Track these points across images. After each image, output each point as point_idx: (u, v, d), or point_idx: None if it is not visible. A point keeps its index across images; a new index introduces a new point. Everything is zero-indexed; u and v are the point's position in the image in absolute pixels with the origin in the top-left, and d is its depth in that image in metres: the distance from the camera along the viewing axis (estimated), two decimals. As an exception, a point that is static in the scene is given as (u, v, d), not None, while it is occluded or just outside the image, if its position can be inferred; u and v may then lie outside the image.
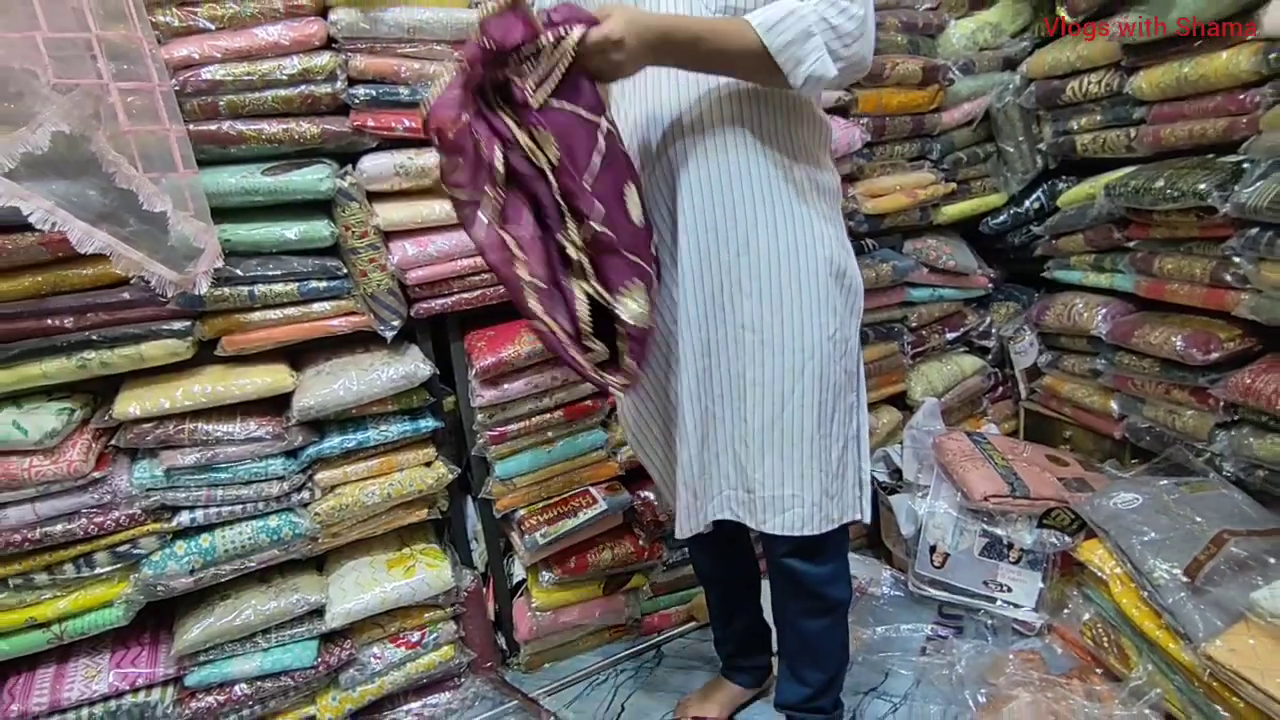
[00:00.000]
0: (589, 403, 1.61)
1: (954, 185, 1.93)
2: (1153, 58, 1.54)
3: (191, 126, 1.22)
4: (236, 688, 1.39)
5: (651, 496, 1.69)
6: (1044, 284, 2.00)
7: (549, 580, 1.62)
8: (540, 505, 1.62)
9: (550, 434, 1.60)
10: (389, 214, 1.36)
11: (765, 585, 1.49)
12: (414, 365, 1.42)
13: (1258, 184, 1.32)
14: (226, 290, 1.30)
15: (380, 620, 1.49)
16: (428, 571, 1.49)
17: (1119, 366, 1.70)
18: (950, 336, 2.03)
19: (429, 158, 1.37)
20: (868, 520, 1.18)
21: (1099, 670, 1.43)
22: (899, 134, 1.84)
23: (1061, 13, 1.75)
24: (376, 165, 1.35)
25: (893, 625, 1.65)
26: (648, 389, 1.20)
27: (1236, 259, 1.40)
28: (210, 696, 1.38)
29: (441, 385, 1.55)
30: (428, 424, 1.47)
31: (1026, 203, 1.97)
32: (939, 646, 1.56)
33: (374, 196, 1.37)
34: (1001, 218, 2.00)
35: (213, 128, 1.26)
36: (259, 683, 1.40)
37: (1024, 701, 1.34)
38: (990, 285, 2.04)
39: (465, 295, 1.46)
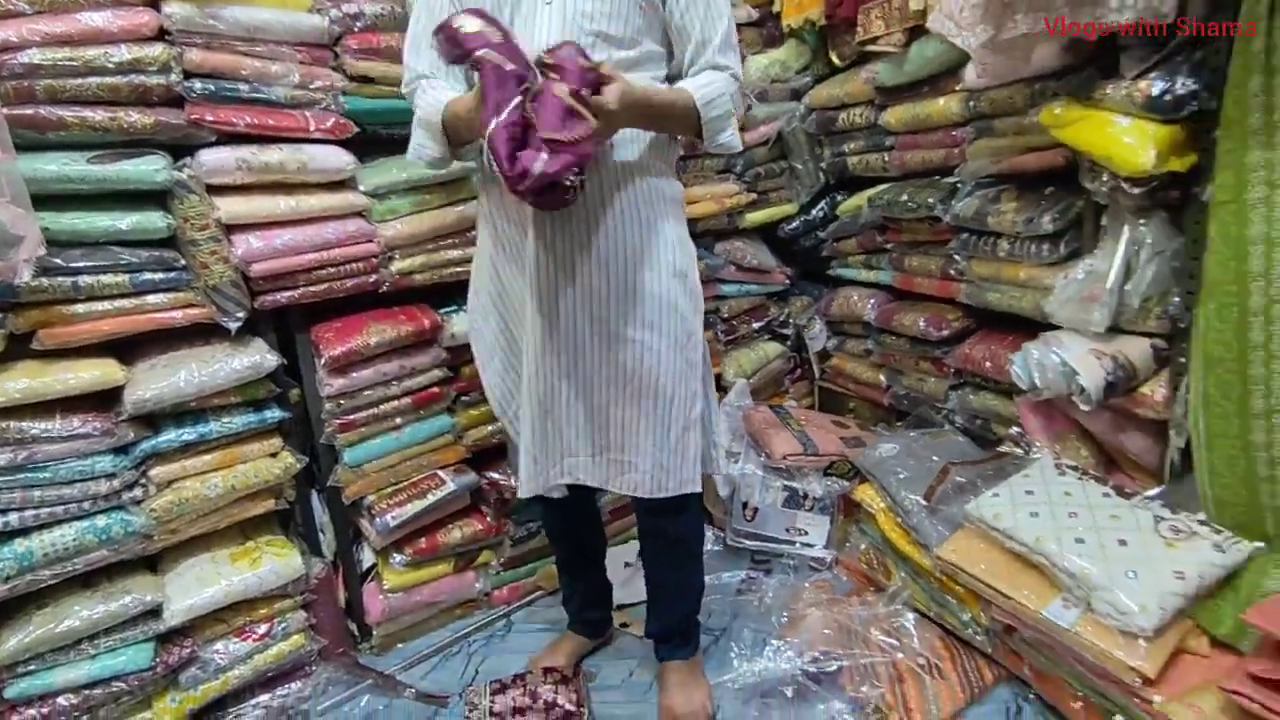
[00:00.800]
0: (436, 389, 1.71)
1: (755, 195, 2.26)
2: (895, 99, 1.93)
3: (5, 110, 1.18)
4: (61, 699, 1.33)
5: (498, 476, 1.82)
6: (830, 280, 2.39)
7: (400, 562, 1.70)
8: (390, 490, 1.69)
9: (399, 420, 1.68)
10: (231, 208, 1.39)
11: (611, 550, 1.72)
12: (259, 356, 1.44)
13: (966, 199, 1.73)
14: (45, 281, 1.26)
15: (224, 615, 1.48)
16: (275, 561, 1.51)
17: (884, 346, 2.09)
18: (756, 326, 2.35)
19: (272, 154, 1.41)
20: (698, 489, 1.35)
21: (873, 588, 1.77)
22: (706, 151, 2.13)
23: (834, 57, 2.13)
24: (217, 159, 1.37)
25: (715, 574, 1.91)
26: (510, 363, 1.34)
27: (956, 257, 1.81)
28: (31, 710, 1.31)
29: (286, 377, 1.57)
30: (274, 415, 1.50)
31: (814, 211, 2.33)
32: (751, 586, 1.84)
33: (215, 190, 1.39)
34: (794, 224, 2.36)
35: (29, 111, 1.23)
36: (87, 691, 1.35)
37: (815, 616, 1.64)
38: (788, 281, 2.39)
39: (311, 288, 1.51)
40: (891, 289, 2.12)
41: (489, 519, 1.81)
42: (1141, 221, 1.38)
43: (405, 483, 1.72)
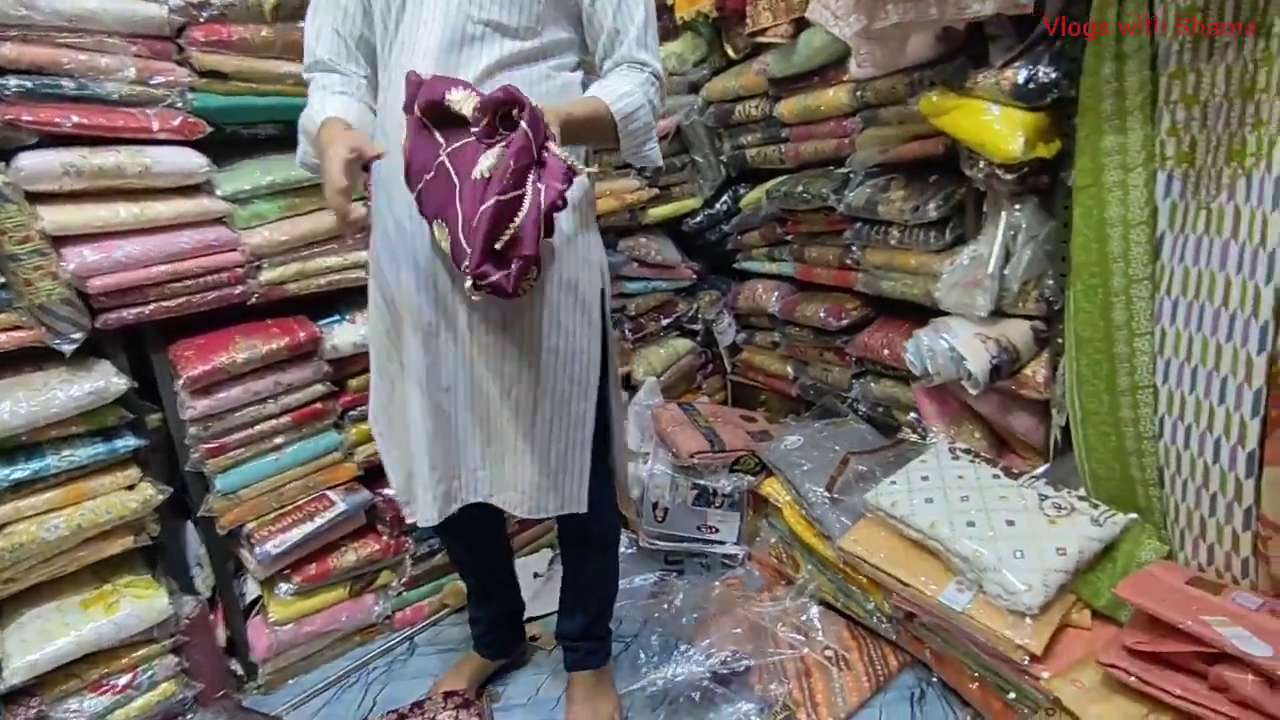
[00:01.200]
0: (319, 405, 1.60)
1: (657, 190, 2.22)
2: (788, 90, 1.93)
3: None
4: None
5: (390, 493, 1.72)
6: (737, 273, 2.38)
7: (287, 591, 1.58)
8: (272, 515, 1.58)
9: (279, 440, 1.57)
10: (59, 217, 1.25)
11: (521, 560, 1.66)
12: (104, 380, 1.31)
13: (857, 189, 1.74)
14: None
15: (76, 669, 1.33)
16: (135, 604, 1.37)
17: (789, 338, 2.10)
18: (665, 322, 2.32)
19: (108, 157, 1.28)
20: (584, 510, 1.25)
21: (784, 582, 1.76)
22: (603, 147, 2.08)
23: (728, 49, 2.11)
24: (38, 163, 1.23)
25: (628, 579, 1.86)
26: (386, 371, 1.25)
27: (852, 247, 1.82)
28: None
29: (144, 400, 1.44)
30: (127, 443, 1.36)
31: (717, 205, 2.32)
32: (663, 589, 1.80)
33: (39, 198, 1.25)
34: (699, 218, 2.34)
35: None
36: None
37: (724, 616, 1.62)
38: (695, 276, 2.36)
39: (165, 304, 1.38)
40: (794, 280, 2.12)
41: (386, 538, 1.72)
42: (1016, 207, 1.41)
43: (290, 506, 1.60)
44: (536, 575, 1.87)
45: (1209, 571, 1.16)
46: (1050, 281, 1.39)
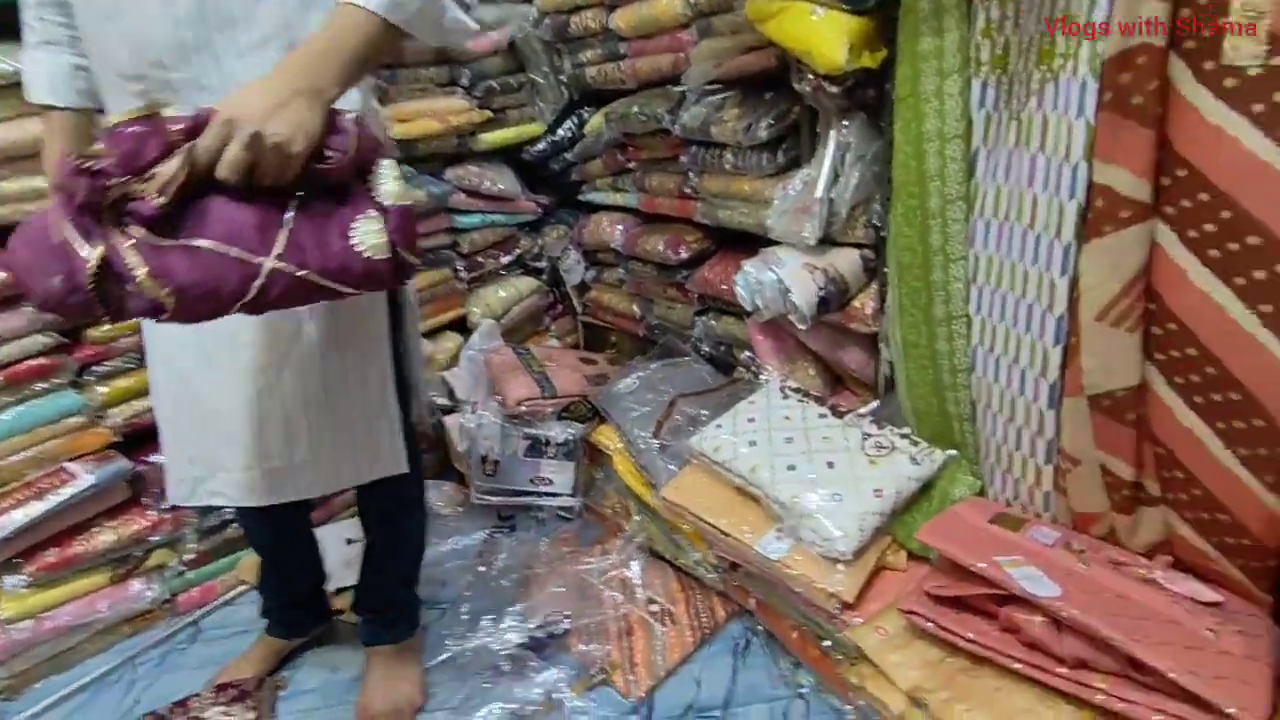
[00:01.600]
0: (44, 360, 1.32)
1: (489, 113, 1.98)
2: (623, -2, 1.73)
3: None
4: None
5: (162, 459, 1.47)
6: (587, 207, 2.20)
7: (19, 584, 1.33)
8: (-11, 495, 1.30)
9: (-8, 402, 1.28)
10: None
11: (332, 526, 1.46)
12: None
13: (692, 109, 1.58)
14: None
15: None
16: None
17: (634, 274, 1.95)
18: (505, 260, 2.12)
19: None
20: (405, 470, 1.16)
21: (619, 535, 1.66)
22: (422, 59, 1.82)
23: (561, -51, 1.87)
24: None
25: (454, 539, 1.71)
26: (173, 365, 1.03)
27: (690, 173, 1.67)
28: None
29: None
30: None
31: (560, 131, 2.10)
32: (490, 548, 1.66)
33: None
34: (541, 146, 2.12)
35: None
36: None
37: (551, 574, 1.50)
38: (539, 210, 2.17)
39: None
40: (639, 213, 1.97)
41: (155, 512, 1.47)
42: (845, 124, 1.30)
43: (15, 484, 1.33)
44: (350, 541, 1.67)
45: (1015, 507, 1.13)
46: (878, 206, 1.29)
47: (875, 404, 1.40)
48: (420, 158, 1.87)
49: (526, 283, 2.18)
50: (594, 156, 2.02)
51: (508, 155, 2.13)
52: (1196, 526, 0.93)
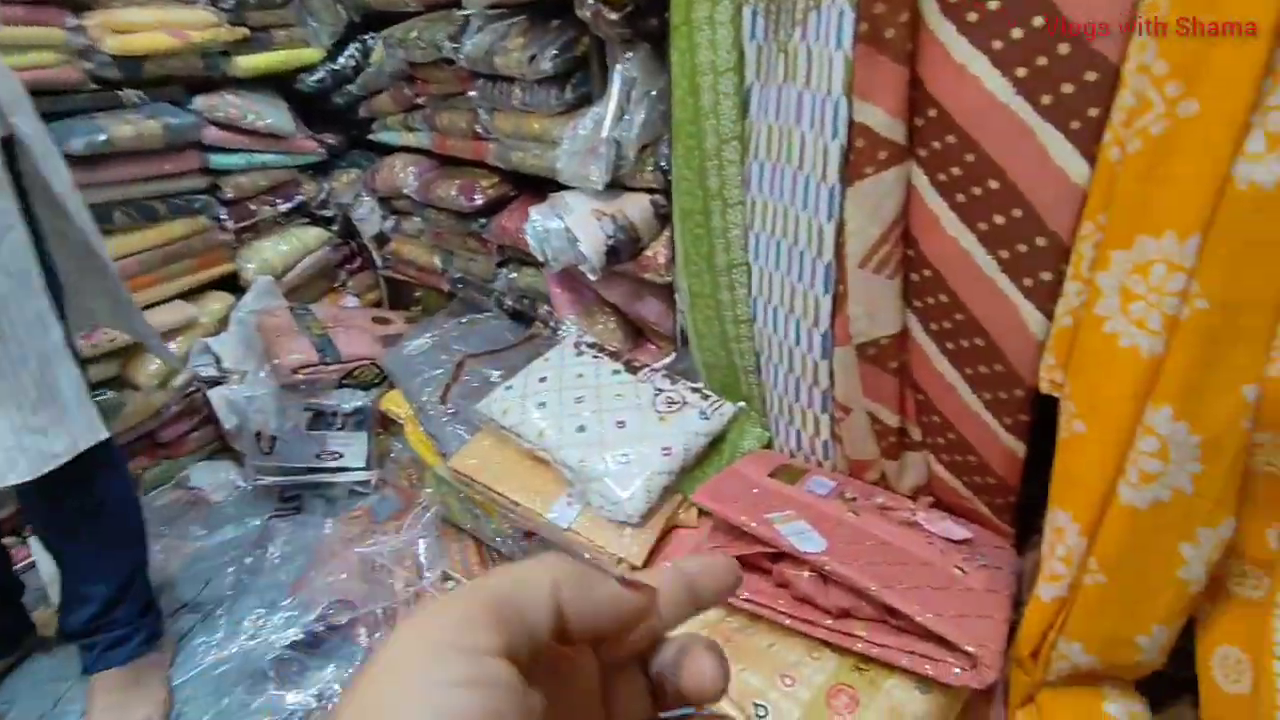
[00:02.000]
0: None
1: (245, 32, 1.69)
2: (393, -102, 1.51)
3: None
4: None
5: None
6: (382, 148, 1.97)
7: None
8: None
9: None
10: None
11: None
12: None
13: (476, 36, 1.41)
14: None
15: None
16: None
17: (432, 223, 1.77)
18: (284, 208, 1.86)
19: None
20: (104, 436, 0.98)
21: (419, 505, 1.53)
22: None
23: None
24: None
25: (226, 528, 1.50)
26: None
27: (479, 110, 1.51)
28: None
29: None
30: None
31: (341, 59, 1.85)
32: (268, 535, 1.48)
33: None
34: (318, 75, 1.85)
35: None
36: None
37: (334, 559, 1.35)
38: (322, 151, 1.91)
39: None
40: (434, 154, 1.78)
41: None
42: (629, 56, 1.19)
43: None
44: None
45: (799, 457, 1.12)
46: (665, 148, 1.21)
47: (671, 357, 1.35)
48: (151, 80, 1.56)
49: (313, 234, 1.93)
50: (381, 90, 1.79)
51: (279, 85, 1.85)
52: (951, 468, 0.95)
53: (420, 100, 1.71)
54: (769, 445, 1.18)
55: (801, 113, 0.88)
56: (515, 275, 1.62)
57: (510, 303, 1.67)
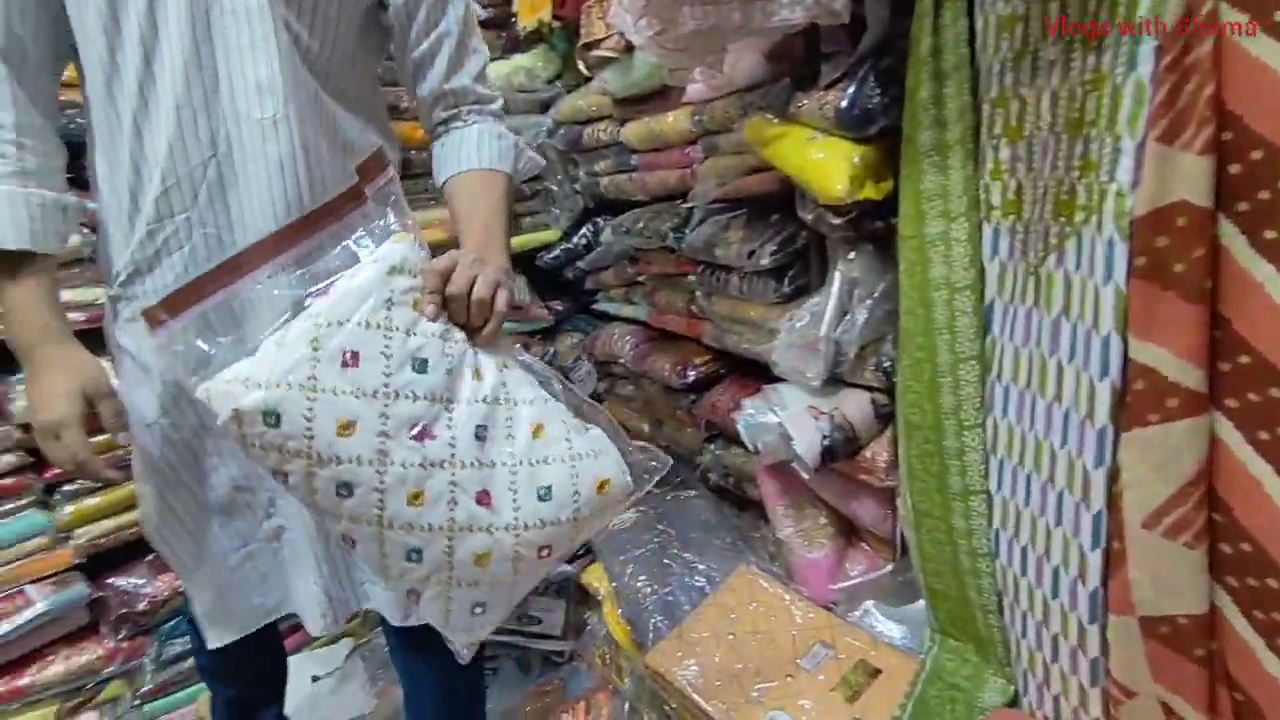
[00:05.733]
0: (7, 481, 1.28)
1: (502, 221, 1.95)
2: (633, 112, 1.69)
3: None
4: None
5: (124, 584, 1.40)
6: (603, 315, 2.12)
7: (-44, 720, 1.25)
8: (-62, 624, 1.25)
9: (-47, 527, 1.24)
10: None
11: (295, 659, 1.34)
12: None
13: (698, 228, 1.49)
14: None
15: None
16: None
17: (643, 392, 1.84)
18: (514, 369, 2.04)
19: None
20: None
21: (610, 688, 1.48)
22: (428, 168, 1.81)
23: (581, 65, 1.86)
24: None
25: (431, 681, 1.56)
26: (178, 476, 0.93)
27: (697, 293, 1.57)
28: None
29: None
30: None
31: (575, 239, 2.06)
32: (465, 697, 1.50)
33: None
34: (555, 253, 2.07)
35: None
36: None
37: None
38: (550, 318, 2.10)
39: None
40: (650, 327, 1.87)
41: (113, 641, 1.39)
42: (851, 256, 1.17)
43: (-33, 610, 1.27)
44: (316, 679, 1.55)
45: (1057, 728, 0.92)
46: (889, 348, 1.15)
47: (889, 567, 1.21)
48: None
49: (536, 392, 2.09)
50: (606, 266, 1.95)
51: (522, 261, 2.09)
52: (1292, 802, 0.71)
53: (641, 278, 1.82)
54: (1014, 702, 0.98)
55: (1059, 342, 0.78)
56: (722, 453, 1.60)
57: (715, 479, 1.65)
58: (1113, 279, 0.71)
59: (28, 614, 1.29)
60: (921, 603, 1.15)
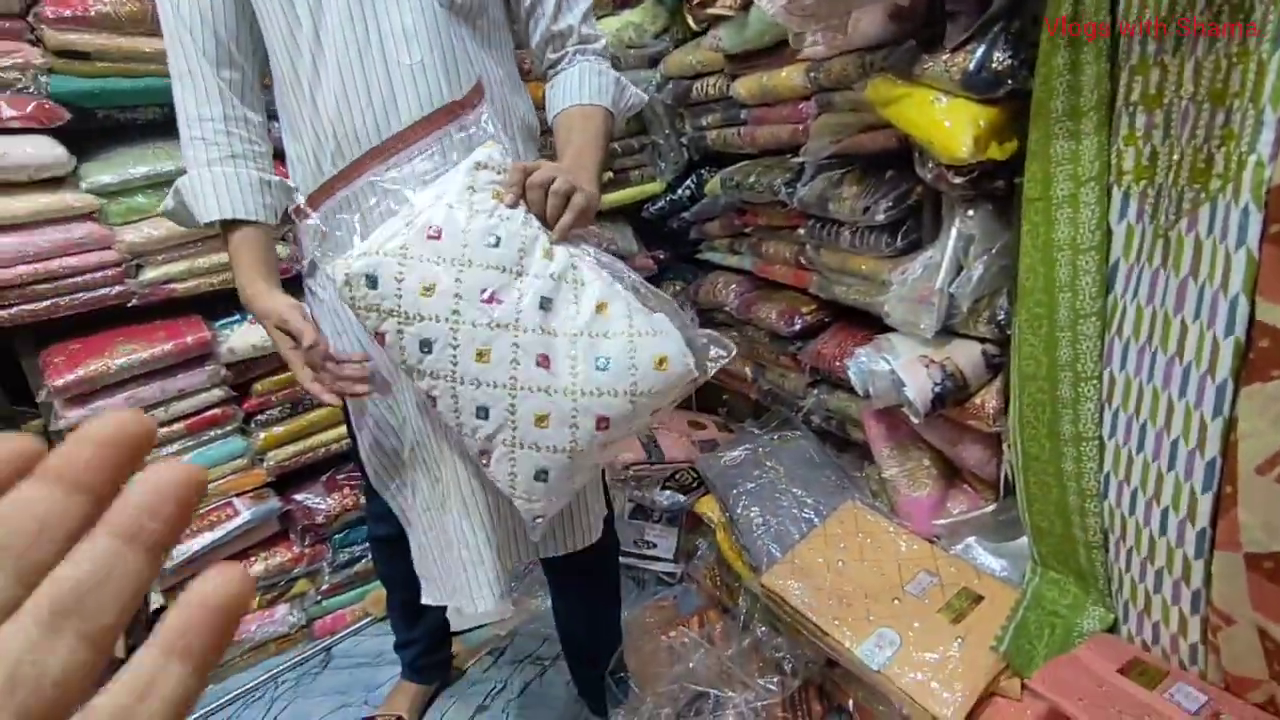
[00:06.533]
0: (216, 411, 1.51)
1: (611, 174, 2.05)
2: (745, 68, 1.74)
3: None
4: None
5: (306, 500, 1.64)
6: (703, 264, 2.21)
7: (187, 604, 1.52)
8: (169, 526, 1.51)
9: (175, 448, 1.49)
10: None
11: None
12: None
13: (810, 182, 1.55)
14: None
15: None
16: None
17: (747, 338, 1.94)
18: (622, 316, 2.17)
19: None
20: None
21: (718, 607, 1.64)
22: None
23: (689, 20, 1.91)
24: None
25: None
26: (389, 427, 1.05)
27: (806, 245, 1.64)
28: None
29: (19, 407, 1.36)
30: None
31: (679, 190, 2.14)
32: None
33: None
34: (660, 204, 2.16)
35: None
36: None
37: (661, 650, 1.51)
38: (654, 267, 2.21)
39: (28, 306, 1.29)
40: (755, 276, 1.95)
41: (299, 547, 1.64)
42: (969, 213, 1.23)
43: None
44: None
45: (1155, 651, 1.01)
46: (1004, 302, 1.21)
47: (992, 506, 1.30)
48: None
49: (641, 337, 2.22)
50: (712, 218, 2.03)
51: (628, 212, 2.19)
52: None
53: (747, 229, 1.90)
54: (1112, 629, 1.08)
55: (1184, 302, 0.84)
56: (827, 397, 1.70)
57: (818, 421, 1.75)
58: (1245, 244, 0.76)
59: (236, 521, 1.54)
60: (1022, 540, 1.24)
